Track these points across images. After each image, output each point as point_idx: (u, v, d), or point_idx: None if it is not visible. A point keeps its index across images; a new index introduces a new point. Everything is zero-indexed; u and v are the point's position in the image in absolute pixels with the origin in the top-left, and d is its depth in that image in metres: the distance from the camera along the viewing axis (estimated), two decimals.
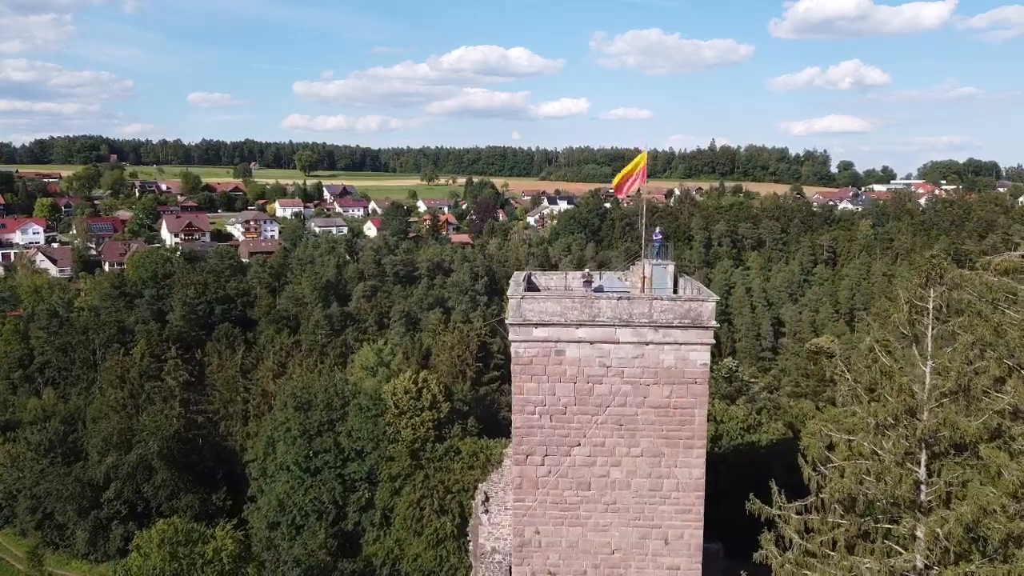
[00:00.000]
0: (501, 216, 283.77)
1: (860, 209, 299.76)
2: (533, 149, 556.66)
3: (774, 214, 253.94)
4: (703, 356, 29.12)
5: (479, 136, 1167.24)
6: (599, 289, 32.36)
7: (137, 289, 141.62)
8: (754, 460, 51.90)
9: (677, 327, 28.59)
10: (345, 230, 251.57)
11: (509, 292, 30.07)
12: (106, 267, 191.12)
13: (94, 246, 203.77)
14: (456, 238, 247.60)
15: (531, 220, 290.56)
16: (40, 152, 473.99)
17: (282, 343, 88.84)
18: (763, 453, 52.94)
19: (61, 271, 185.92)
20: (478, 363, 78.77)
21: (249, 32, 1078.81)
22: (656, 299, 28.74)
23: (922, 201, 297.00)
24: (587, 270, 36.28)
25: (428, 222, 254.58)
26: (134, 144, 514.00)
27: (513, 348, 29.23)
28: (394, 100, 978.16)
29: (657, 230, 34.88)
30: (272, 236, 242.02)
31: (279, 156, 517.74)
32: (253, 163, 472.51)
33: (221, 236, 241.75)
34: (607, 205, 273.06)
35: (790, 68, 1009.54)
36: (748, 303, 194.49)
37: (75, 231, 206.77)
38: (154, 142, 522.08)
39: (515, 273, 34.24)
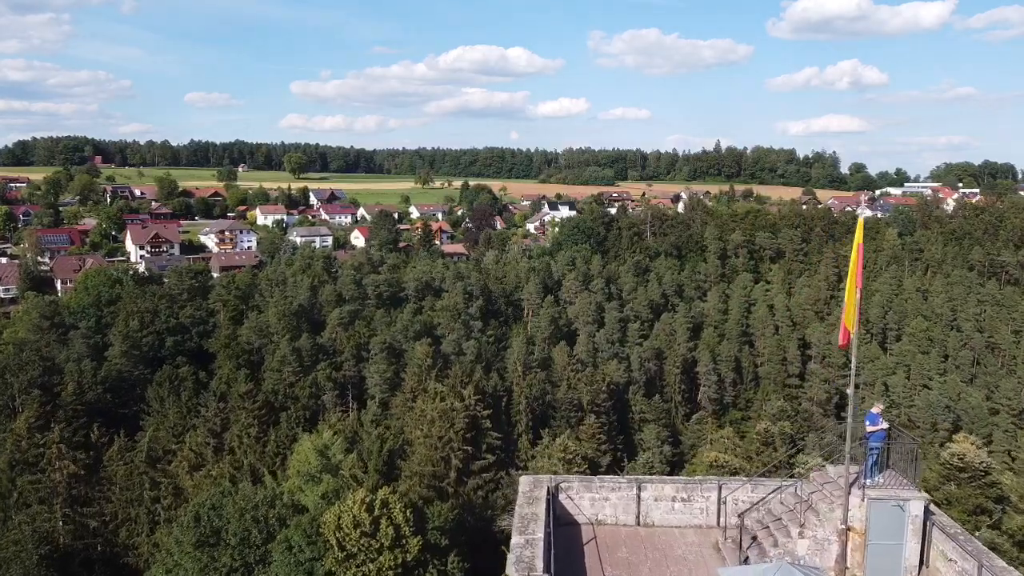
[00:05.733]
0: (499, 224, 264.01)
1: (881, 216, 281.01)
2: (532, 150, 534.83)
3: (793, 222, 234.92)
4: None
5: (477, 136, 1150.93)
6: None
7: (75, 319, 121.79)
8: None
9: None
10: (329, 240, 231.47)
11: None
12: (58, 285, 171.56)
13: (47, 261, 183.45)
14: (449, 248, 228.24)
15: (531, 227, 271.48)
16: (22, 153, 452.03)
17: (217, 408, 69.17)
18: None
19: (6, 291, 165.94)
20: (466, 447, 59.29)
21: (247, 32, 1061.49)
22: None
23: (948, 207, 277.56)
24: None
25: (420, 231, 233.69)
26: (121, 145, 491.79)
27: None
28: (392, 100, 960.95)
29: (874, 409, 15.27)
30: (249, 247, 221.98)
31: (270, 158, 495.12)
32: (242, 165, 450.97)
33: (193, 248, 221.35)
34: (611, 211, 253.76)
35: (788, 68, 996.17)
36: (771, 323, 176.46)
37: (25, 244, 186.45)
38: (142, 143, 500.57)
39: (522, 480, 14.70)
